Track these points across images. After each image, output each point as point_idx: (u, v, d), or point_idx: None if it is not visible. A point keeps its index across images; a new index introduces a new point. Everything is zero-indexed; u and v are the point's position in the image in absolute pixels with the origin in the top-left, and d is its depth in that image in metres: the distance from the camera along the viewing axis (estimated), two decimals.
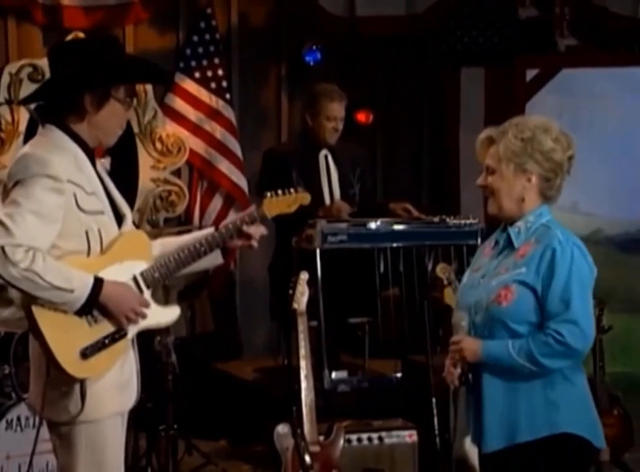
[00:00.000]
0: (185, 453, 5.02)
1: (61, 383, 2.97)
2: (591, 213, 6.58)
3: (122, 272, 3.04)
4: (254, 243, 3.29)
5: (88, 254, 2.99)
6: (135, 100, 3.34)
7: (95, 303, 2.93)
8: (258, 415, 5.12)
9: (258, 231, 3.27)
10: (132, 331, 3.05)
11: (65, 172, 2.94)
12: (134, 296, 3.03)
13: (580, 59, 6.37)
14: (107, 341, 2.99)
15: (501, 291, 2.89)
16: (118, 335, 3.00)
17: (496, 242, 3.06)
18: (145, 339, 3.63)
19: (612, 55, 6.40)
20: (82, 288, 2.91)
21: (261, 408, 5.18)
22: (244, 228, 3.22)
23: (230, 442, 5.45)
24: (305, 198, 3.45)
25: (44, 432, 3.36)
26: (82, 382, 2.95)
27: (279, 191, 3.37)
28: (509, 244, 2.97)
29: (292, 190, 3.40)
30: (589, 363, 4.90)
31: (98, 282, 2.94)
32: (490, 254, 3.07)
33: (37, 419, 3.90)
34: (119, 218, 3.12)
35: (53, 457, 3.23)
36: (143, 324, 3.06)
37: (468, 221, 5.35)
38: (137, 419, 4.31)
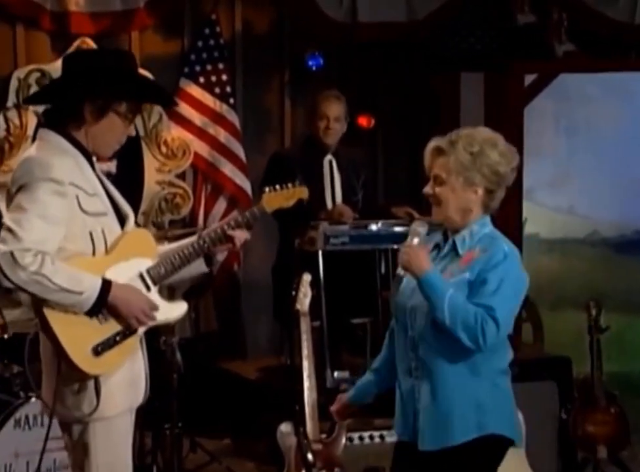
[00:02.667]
0: (190, 451, 5.03)
1: (75, 381, 2.98)
2: (587, 216, 6.61)
3: (129, 269, 3.05)
4: (238, 245, 3.28)
5: (94, 254, 3.01)
6: (131, 129, 3.33)
7: (104, 305, 2.94)
8: (262, 413, 5.13)
9: (242, 235, 3.27)
10: (142, 328, 3.06)
11: (67, 175, 2.95)
12: (143, 298, 3.05)
13: (577, 65, 6.38)
14: (118, 338, 3.01)
15: None
16: (128, 331, 3.02)
17: (437, 246, 3.12)
18: (151, 339, 3.65)
19: (608, 60, 6.40)
20: (90, 290, 2.92)
21: (264, 406, 5.19)
22: (230, 232, 3.22)
23: (234, 440, 5.46)
24: (303, 192, 3.46)
25: (52, 430, 3.38)
26: (96, 379, 2.97)
27: (277, 186, 3.38)
28: (453, 250, 3.04)
29: (289, 184, 3.41)
30: (586, 363, 4.92)
31: (106, 284, 2.95)
32: (429, 256, 3.10)
33: (47, 417, 3.96)
34: (122, 219, 3.14)
35: (60, 454, 3.26)
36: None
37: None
38: (143, 417, 4.33)
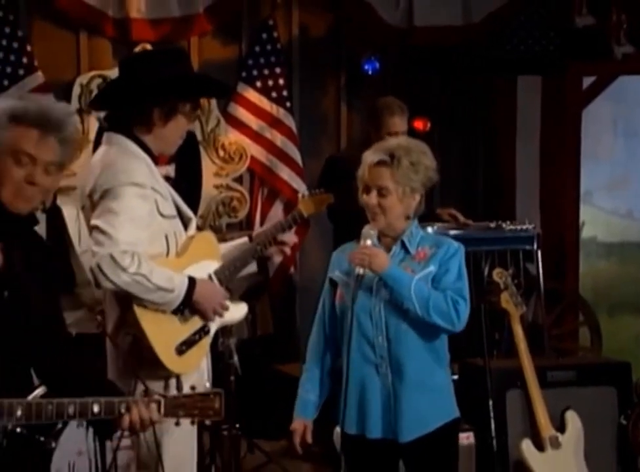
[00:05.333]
0: (248, 452, 5.05)
1: (155, 381, 3.05)
2: None
3: (200, 271, 3.15)
4: (287, 250, 3.39)
5: (167, 256, 3.08)
6: (199, 110, 3.40)
7: (190, 301, 3.04)
8: (317, 416, 5.12)
9: (290, 238, 3.41)
10: (213, 327, 3.17)
11: (148, 179, 3.03)
12: (220, 291, 3.17)
13: (636, 67, 6.28)
14: (197, 336, 3.11)
15: None
16: (203, 332, 3.11)
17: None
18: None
19: None
20: (180, 287, 3.02)
21: (320, 409, 5.18)
22: (280, 237, 3.34)
23: (290, 441, 5.46)
24: (329, 198, 3.69)
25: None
26: (178, 379, 2.98)
27: (307, 192, 3.63)
28: (403, 250, 3.22)
29: (317, 191, 3.64)
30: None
31: (192, 281, 3.05)
32: None
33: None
34: (183, 221, 3.21)
35: (121, 453, 3.28)
36: (221, 320, 3.19)
37: (524, 227, 5.31)
38: None
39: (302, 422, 3.38)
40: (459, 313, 3.14)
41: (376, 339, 3.16)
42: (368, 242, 3.16)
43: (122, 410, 2.47)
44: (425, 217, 5.20)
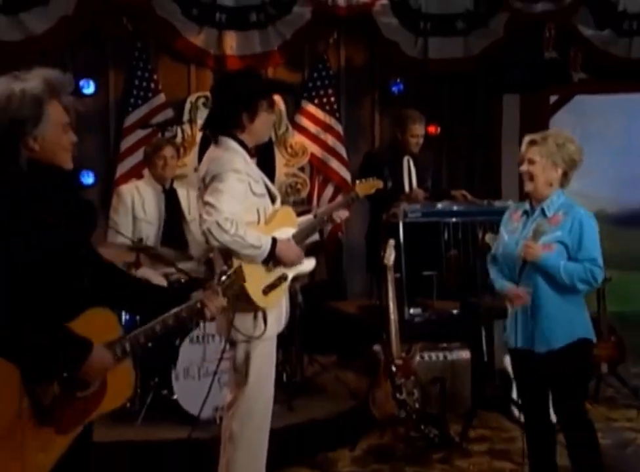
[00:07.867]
0: (308, 364, 5.02)
1: (249, 313, 3.10)
2: (596, 197, 6.55)
3: (282, 235, 3.16)
4: (338, 221, 3.47)
5: (258, 224, 3.13)
6: (274, 116, 3.45)
7: (273, 255, 3.08)
8: (359, 338, 5.17)
9: (344, 214, 3.43)
10: (290, 275, 3.16)
11: (243, 167, 3.06)
12: (297, 248, 3.20)
13: (589, 88, 6.31)
14: (278, 282, 3.12)
15: (545, 247, 3.13)
16: (283, 278, 3.14)
17: (525, 212, 3.25)
18: None
19: (612, 85, 6.33)
20: (265, 245, 3.04)
21: (361, 333, 5.21)
22: (334, 214, 3.42)
23: (340, 357, 5.45)
24: (379, 184, 3.70)
25: (215, 346, 3.52)
26: (263, 312, 3.09)
27: (363, 179, 3.63)
28: (542, 214, 3.18)
29: (370, 179, 3.64)
30: (594, 304, 4.87)
31: (274, 241, 3.08)
32: (520, 221, 3.27)
33: (211, 337, 4.02)
34: (271, 198, 3.24)
35: (222, 363, 3.35)
36: (295, 270, 3.21)
37: (508, 203, 5.34)
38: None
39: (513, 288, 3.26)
40: (596, 278, 3.10)
41: (518, 276, 3.16)
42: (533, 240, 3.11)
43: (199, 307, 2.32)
44: (442, 196, 5.27)
